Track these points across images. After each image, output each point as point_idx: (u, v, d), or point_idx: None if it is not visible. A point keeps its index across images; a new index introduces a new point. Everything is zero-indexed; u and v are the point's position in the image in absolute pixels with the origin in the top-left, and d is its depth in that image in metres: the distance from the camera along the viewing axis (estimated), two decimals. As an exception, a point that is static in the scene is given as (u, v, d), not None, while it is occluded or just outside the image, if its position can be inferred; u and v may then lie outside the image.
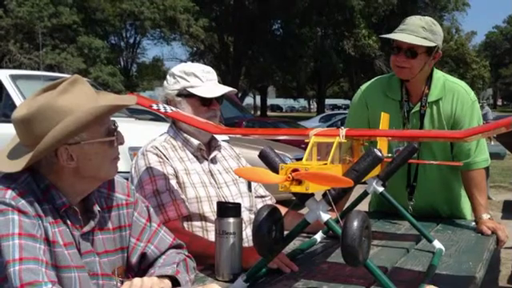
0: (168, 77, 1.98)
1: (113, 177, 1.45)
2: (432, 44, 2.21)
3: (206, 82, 1.93)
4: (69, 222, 1.34)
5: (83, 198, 1.40)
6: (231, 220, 1.54)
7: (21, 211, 1.25)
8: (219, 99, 1.96)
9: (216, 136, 2.02)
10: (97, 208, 1.40)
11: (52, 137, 1.27)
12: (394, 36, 2.22)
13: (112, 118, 1.40)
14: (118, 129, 1.39)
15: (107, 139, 1.36)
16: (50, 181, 1.33)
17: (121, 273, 1.45)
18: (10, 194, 1.26)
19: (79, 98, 1.32)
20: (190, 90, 1.92)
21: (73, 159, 1.32)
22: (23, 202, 1.26)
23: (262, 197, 2.14)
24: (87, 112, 1.29)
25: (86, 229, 1.38)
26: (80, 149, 1.32)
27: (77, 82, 1.34)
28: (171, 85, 1.95)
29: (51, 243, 1.28)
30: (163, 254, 1.50)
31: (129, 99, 1.46)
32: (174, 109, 1.85)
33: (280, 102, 66.28)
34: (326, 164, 1.32)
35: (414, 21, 2.24)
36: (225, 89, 1.94)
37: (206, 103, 1.92)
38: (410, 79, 2.28)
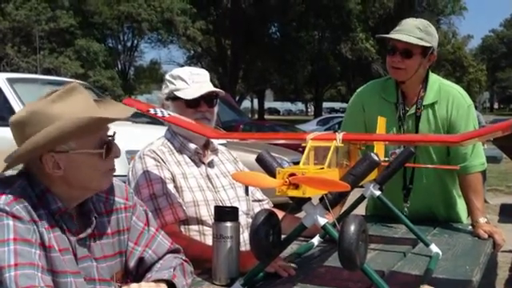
0: (163, 82, 2.00)
1: (106, 188, 1.42)
2: (427, 44, 2.24)
3: (191, 84, 1.93)
4: (65, 227, 1.34)
5: (80, 203, 1.40)
6: (228, 224, 1.54)
7: (15, 216, 1.24)
8: (210, 101, 1.95)
9: (213, 140, 2.02)
10: (93, 214, 1.40)
11: (32, 142, 1.27)
12: (390, 35, 2.24)
13: (113, 127, 1.39)
14: (117, 136, 1.38)
15: (96, 151, 1.33)
16: (45, 185, 1.33)
17: (119, 278, 1.45)
18: (4, 199, 1.26)
19: (73, 106, 1.31)
20: (176, 93, 1.92)
21: (60, 168, 1.31)
22: (18, 207, 1.26)
23: (259, 201, 2.14)
24: (70, 121, 1.27)
25: (83, 235, 1.37)
26: (68, 158, 1.31)
27: (74, 90, 1.34)
28: (163, 89, 1.98)
29: (47, 248, 1.28)
30: (161, 258, 1.50)
31: (122, 113, 1.41)
32: (171, 113, 1.85)
33: (277, 105, 66.31)
34: (322, 168, 1.32)
35: (410, 22, 2.28)
36: (207, 89, 1.92)
37: (191, 105, 1.91)
38: (405, 81, 2.30)
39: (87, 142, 1.31)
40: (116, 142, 1.40)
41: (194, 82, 1.93)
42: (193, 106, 1.91)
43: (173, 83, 1.94)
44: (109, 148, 1.35)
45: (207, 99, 1.93)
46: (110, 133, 1.39)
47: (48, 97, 1.32)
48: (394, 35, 2.23)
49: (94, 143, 1.32)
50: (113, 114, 1.37)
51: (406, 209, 2.34)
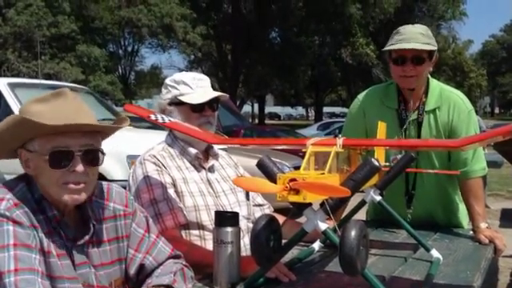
0: (162, 87, 2.00)
1: (69, 203, 1.33)
2: (434, 48, 2.25)
3: (195, 88, 1.94)
4: (62, 233, 1.34)
5: (79, 209, 1.39)
6: (229, 229, 1.54)
7: (15, 222, 1.25)
8: (212, 105, 1.96)
9: (214, 145, 2.02)
10: (91, 221, 1.40)
11: None
12: (403, 46, 2.21)
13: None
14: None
15: (42, 157, 1.30)
16: (41, 191, 1.34)
17: (118, 285, 1.45)
18: (4, 204, 1.26)
19: (49, 109, 1.31)
20: (180, 98, 1.93)
21: (29, 167, 1.33)
22: (18, 212, 1.26)
23: (259, 205, 2.15)
24: (6, 120, 1.29)
25: (81, 241, 1.37)
26: (33, 158, 1.32)
27: (60, 95, 1.34)
28: (164, 95, 1.98)
29: (46, 254, 1.29)
30: (161, 265, 1.50)
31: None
32: (171, 119, 1.86)
33: (278, 109, 66.40)
34: (323, 173, 1.32)
35: (411, 29, 2.26)
36: (214, 94, 1.94)
37: (196, 110, 1.92)
38: (415, 87, 2.29)
39: (44, 146, 1.30)
40: (96, 155, 1.35)
41: (198, 86, 1.94)
42: (198, 110, 1.92)
43: (176, 88, 1.95)
44: (59, 158, 1.30)
45: (210, 104, 1.94)
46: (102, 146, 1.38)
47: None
48: (404, 45, 2.20)
49: (46, 150, 1.30)
50: (55, 121, 1.29)
51: (409, 215, 2.34)
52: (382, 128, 1.94)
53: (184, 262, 1.55)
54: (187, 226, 1.86)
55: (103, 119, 4.96)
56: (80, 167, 1.31)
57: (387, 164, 1.85)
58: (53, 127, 1.27)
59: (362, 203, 1.90)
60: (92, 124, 1.35)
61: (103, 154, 1.38)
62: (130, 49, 32.97)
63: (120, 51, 32.45)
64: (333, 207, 1.36)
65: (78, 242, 1.37)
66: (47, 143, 1.29)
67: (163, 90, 2.00)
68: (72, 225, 1.38)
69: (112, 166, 4.52)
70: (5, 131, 1.29)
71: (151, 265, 1.48)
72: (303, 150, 1.40)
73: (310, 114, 59.83)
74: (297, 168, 1.40)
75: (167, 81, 2.00)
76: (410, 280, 1.68)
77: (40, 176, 1.32)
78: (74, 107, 1.34)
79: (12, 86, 5.95)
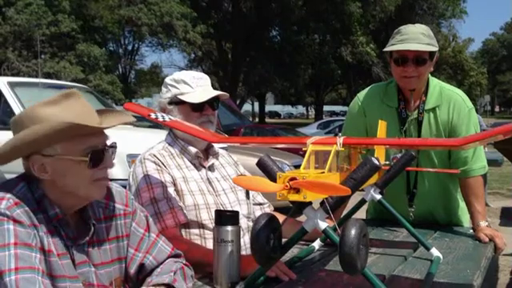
0: (162, 86, 2.00)
1: (98, 198, 1.40)
2: (435, 49, 2.24)
3: (196, 87, 1.94)
4: (63, 232, 1.34)
5: (79, 209, 1.40)
6: (229, 228, 1.54)
7: (16, 221, 1.25)
8: (213, 104, 1.96)
9: (214, 143, 2.02)
10: (92, 221, 1.40)
11: (10, 143, 1.29)
12: (404, 47, 2.20)
13: (114, 131, 1.38)
14: (118, 140, 1.38)
15: (79, 159, 1.31)
16: (43, 191, 1.33)
17: (118, 284, 1.45)
18: (4, 203, 1.26)
19: (64, 111, 1.30)
20: (180, 97, 1.93)
21: (46, 171, 1.31)
22: (18, 211, 1.26)
23: (260, 204, 2.15)
24: (47, 125, 1.27)
25: (81, 241, 1.37)
26: (54, 162, 1.31)
27: (70, 96, 1.34)
28: (164, 94, 1.98)
29: (46, 253, 1.29)
30: (161, 263, 1.50)
31: (111, 122, 1.38)
32: (172, 118, 1.86)
33: (278, 108, 66.44)
34: (323, 172, 1.32)
35: (413, 29, 2.25)
36: (214, 92, 1.94)
37: (197, 109, 1.92)
38: (416, 88, 2.29)
39: (73, 148, 1.30)
40: (113, 150, 1.38)
41: (198, 85, 1.94)
42: (198, 109, 1.92)
43: (176, 87, 1.95)
44: (96, 157, 1.32)
45: (211, 102, 1.94)
46: (110, 142, 1.38)
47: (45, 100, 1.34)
48: (406, 45, 2.20)
49: (80, 150, 1.31)
50: (97, 123, 1.33)
51: (411, 213, 2.34)
52: (382, 127, 1.94)
53: (184, 261, 1.55)
54: (187, 224, 1.87)
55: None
56: (111, 164, 1.37)
57: (387, 163, 1.85)
58: (97, 128, 1.30)
59: (362, 202, 1.90)
60: (121, 123, 1.40)
61: (116, 148, 1.41)
62: (130, 47, 33.01)
63: (120, 50, 32.46)
64: (333, 206, 1.36)
65: (79, 242, 1.37)
66: (79, 145, 1.30)
67: (163, 88, 2.00)
68: (72, 224, 1.38)
69: (112, 164, 4.53)
70: (41, 137, 1.27)
71: (151, 264, 1.49)
72: (303, 149, 1.40)
73: (310, 113, 59.85)
74: (297, 167, 1.40)
75: (167, 80, 2.00)
76: (410, 279, 1.68)
77: (66, 177, 1.31)
78: (85, 107, 1.36)
79: (12, 85, 5.95)
